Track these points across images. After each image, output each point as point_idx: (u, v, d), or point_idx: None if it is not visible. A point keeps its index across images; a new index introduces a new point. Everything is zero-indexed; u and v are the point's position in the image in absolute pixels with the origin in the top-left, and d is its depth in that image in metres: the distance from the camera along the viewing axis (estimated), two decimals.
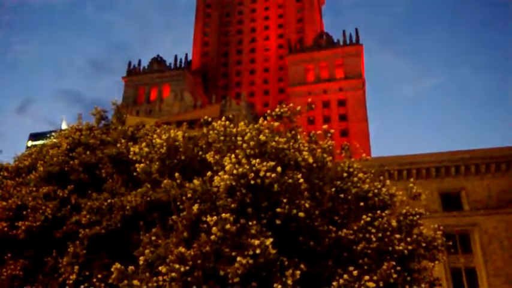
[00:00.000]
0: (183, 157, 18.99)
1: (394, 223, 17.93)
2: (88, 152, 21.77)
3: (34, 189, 21.45)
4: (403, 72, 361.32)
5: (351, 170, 19.90)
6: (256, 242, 14.42)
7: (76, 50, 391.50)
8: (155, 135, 20.27)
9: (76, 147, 22.17)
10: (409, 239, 18.00)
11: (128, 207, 18.61)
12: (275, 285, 14.50)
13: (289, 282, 14.49)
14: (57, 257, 19.33)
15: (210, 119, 19.91)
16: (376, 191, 19.28)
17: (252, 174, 15.51)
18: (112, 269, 15.86)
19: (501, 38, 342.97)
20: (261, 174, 15.52)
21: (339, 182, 19.19)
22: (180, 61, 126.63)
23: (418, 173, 62.44)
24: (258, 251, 14.31)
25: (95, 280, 17.91)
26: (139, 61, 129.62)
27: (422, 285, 18.12)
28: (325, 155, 19.30)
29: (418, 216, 19.48)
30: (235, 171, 15.59)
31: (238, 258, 14.40)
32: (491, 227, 60.62)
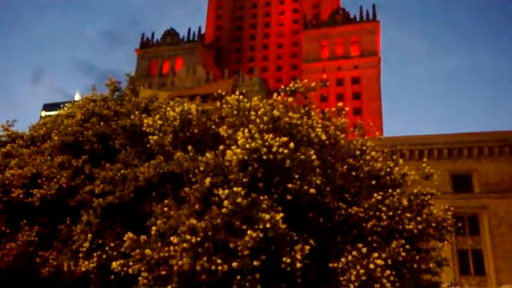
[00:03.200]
0: (196, 130, 19.04)
1: (405, 202, 17.90)
2: (102, 123, 21.92)
3: (49, 158, 21.79)
4: (420, 52, 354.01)
5: (364, 148, 19.79)
6: (267, 216, 14.55)
7: (89, 21, 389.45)
8: (169, 108, 20.30)
9: (90, 118, 22.33)
10: (419, 219, 17.99)
11: (141, 178, 18.83)
12: (284, 258, 14.70)
13: (298, 256, 14.66)
14: (71, 225, 19.79)
15: (224, 93, 19.85)
16: (388, 169, 19.21)
17: (265, 149, 15.51)
18: (124, 238, 16.21)
19: None
20: (274, 149, 15.52)
21: (351, 160, 19.12)
22: (194, 34, 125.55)
23: (430, 154, 61.88)
24: (268, 225, 14.45)
25: (107, 248, 18.34)
26: (153, 34, 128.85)
27: (430, 265, 18.18)
28: (338, 133, 19.21)
29: (429, 196, 19.41)
30: (247, 146, 15.60)
31: (249, 232, 14.58)
32: (502, 210, 60.28)
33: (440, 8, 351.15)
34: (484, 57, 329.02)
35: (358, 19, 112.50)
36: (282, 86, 20.09)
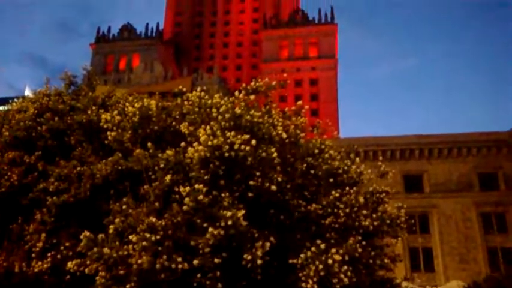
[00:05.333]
0: (156, 127, 18.77)
1: (361, 200, 18.48)
2: (56, 118, 21.12)
3: None
4: (377, 53, 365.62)
5: (322, 147, 20.25)
6: (228, 213, 14.58)
7: (39, 10, 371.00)
8: (127, 104, 19.89)
9: (44, 113, 21.46)
10: (374, 216, 18.64)
11: (97, 176, 18.30)
12: (245, 255, 14.78)
13: (259, 253, 14.79)
14: (23, 224, 18.94)
15: (184, 89, 19.70)
16: (345, 168, 19.75)
17: (227, 147, 15.55)
18: (81, 237, 15.71)
19: (477, 21, 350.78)
20: (236, 146, 15.58)
21: (310, 159, 19.49)
22: (152, 30, 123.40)
23: (384, 155, 64.10)
24: (229, 223, 14.48)
25: (62, 248, 17.71)
26: (109, 28, 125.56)
27: (385, 260, 18.89)
28: (298, 131, 19.56)
29: (384, 194, 20.18)
30: (210, 143, 15.58)
31: (210, 229, 14.55)
32: (450, 209, 63.42)
33: (397, 9, 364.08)
34: (438, 56, 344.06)
35: (317, 21, 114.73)
36: (243, 85, 20.21)
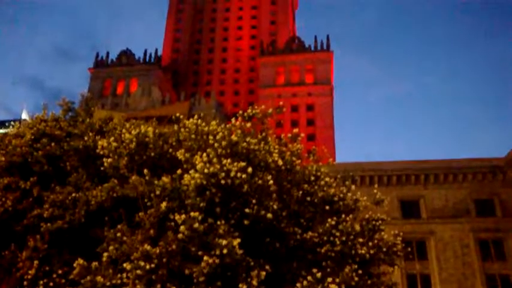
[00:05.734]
0: (152, 154, 18.80)
1: (357, 227, 18.43)
2: (53, 144, 21.14)
3: None
4: (373, 79, 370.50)
5: (318, 174, 20.30)
6: (224, 242, 14.49)
7: (39, 34, 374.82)
8: (124, 130, 19.96)
9: (41, 138, 21.48)
10: (370, 244, 18.56)
11: (92, 202, 18.22)
12: (240, 285, 14.62)
13: (254, 282, 14.65)
14: (15, 251, 18.70)
15: (181, 116, 19.84)
16: (341, 195, 19.76)
17: (223, 174, 15.58)
18: (74, 265, 15.55)
19: (471, 47, 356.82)
20: (232, 174, 15.62)
21: (306, 185, 19.53)
22: (150, 55, 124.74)
23: (380, 180, 64.03)
24: (224, 251, 14.38)
25: (55, 276, 17.45)
26: (107, 53, 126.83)
27: None
28: (294, 158, 19.64)
29: (380, 222, 20.11)
30: (206, 170, 15.61)
31: (205, 258, 14.43)
32: (447, 235, 62.96)
33: (392, 36, 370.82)
34: (433, 80, 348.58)
35: (313, 48, 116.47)
36: (240, 111, 20.39)
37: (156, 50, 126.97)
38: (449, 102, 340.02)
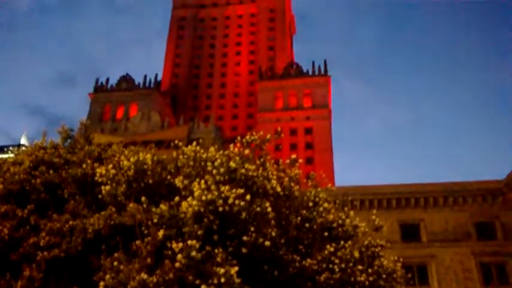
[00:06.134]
0: (150, 181, 18.83)
1: (356, 254, 18.29)
2: (51, 171, 21.16)
3: None
4: (369, 103, 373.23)
5: (317, 199, 20.27)
6: (222, 270, 14.37)
7: (40, 60, 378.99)
8: (123, 157, 20.02)
9: (39, 166, 21.51)
10: (370, 270, 18.38)
11: (90, 230, 18.10)
12: None
13: None
14: (10, 280, 18.46)
15: (180, 144, 19.93)
16: (340, 221, 19.69)
17: (221, 201, 15.57)
18: None
19: (468, 76, 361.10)
20: (230, 201, 15.61)
21: (304, 212, 19.48)
22: (150, 81, 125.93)
23: (380, 204, 63.73)
24: (222, 280, 14.25)
25: None
26: (108, 79, 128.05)
27: None
28: (292, 184, 19.65)
29: (379, 248, 19.97)
30: (203, 198, 15.61)
31: (202, 287, 14.29)
32: (448, 259, 62.25)
33: (390, 63, 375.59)
34: (429, 110, 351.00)
35: (310, 73, 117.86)
36: (239, 137, 20.51)
37: (156, 75, 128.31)
38: (444, 126, 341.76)
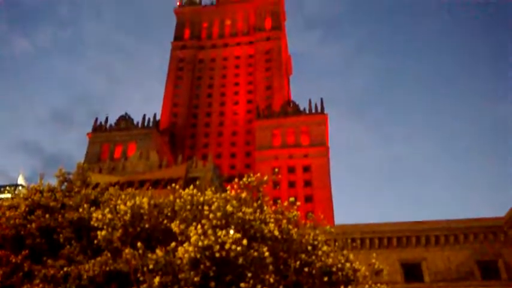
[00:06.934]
0: (147, 225, 18.63)
1: None
2: (47, 215, 20.98)
3: None
4: (365, 140, 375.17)
5: (315, 242, 20.00)
6: None
7: (38, 100, 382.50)
8: (119, 201, 19.89)
9: (35, 210, 21.35)
10: None
11: (84, 277, 17.77)
12: None
13: None
14: None
15: (177, 187, 19.88)
16: (340, 265, 19.34)
17: (218, 247, 15.36)
18: None
19: (463, 109, 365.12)
20: (227, 246, 15.40)
21: (303, 255, 19.17)
22: (148, 120, 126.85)
23: (380, 242, 62.77)
24: None
25: None
26: (106, 118, 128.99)
27: None
28: (290, 226, 19.43)
29: None
30: (200, 243, 15.40)
31: None
32: None
33: (386, 99, 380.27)
34: (423, 145, 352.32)
35: (307, 111, 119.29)
36: (236, 179, 20.47)
37: (155, 115, 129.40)
38: (440, 163, 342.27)
